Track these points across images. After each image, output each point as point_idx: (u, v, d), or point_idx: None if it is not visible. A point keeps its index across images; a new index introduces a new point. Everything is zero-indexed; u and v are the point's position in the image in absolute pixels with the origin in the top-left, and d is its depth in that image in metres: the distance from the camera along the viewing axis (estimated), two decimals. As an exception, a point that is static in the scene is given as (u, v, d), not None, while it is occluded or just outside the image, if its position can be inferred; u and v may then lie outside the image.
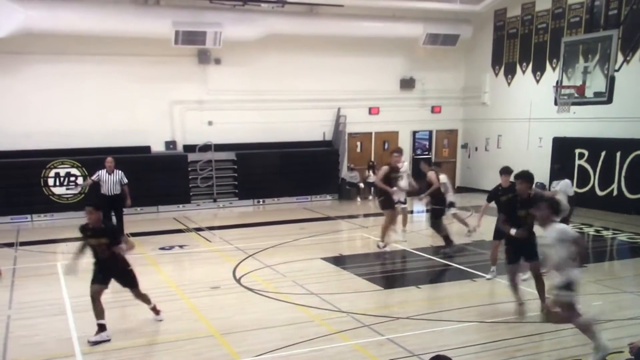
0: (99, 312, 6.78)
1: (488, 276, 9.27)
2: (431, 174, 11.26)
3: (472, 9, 18.57)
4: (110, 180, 12.20)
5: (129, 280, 7.17)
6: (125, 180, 12.34)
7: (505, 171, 8.95)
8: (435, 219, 11.20)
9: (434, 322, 7.30)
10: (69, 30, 15.04)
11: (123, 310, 7.90)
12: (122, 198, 12.26)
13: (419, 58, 19.88)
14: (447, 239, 10.96)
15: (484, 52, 19.90)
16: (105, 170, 12.26)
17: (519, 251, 7.42)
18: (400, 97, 20.03)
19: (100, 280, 6.91)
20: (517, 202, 7.39)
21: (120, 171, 12.36)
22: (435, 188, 11.18)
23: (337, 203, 18.50)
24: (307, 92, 18.35)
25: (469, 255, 10.94)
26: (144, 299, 7.37)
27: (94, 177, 12.43)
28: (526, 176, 7.32)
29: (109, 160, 12.40)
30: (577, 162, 16.32)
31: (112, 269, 6.99)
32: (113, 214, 12.11)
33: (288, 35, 17.49)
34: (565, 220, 9.09)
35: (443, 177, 11.91)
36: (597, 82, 13.00)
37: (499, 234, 8.73)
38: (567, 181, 10.21)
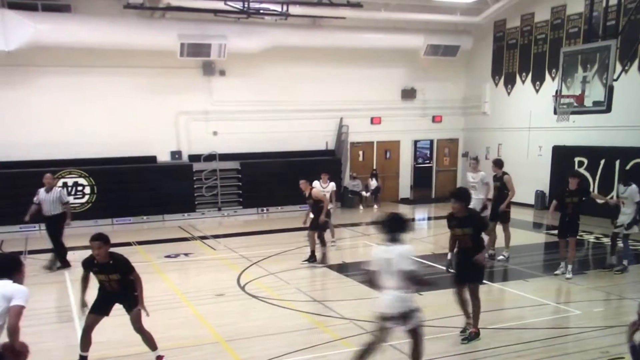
0: (86, 343, 6.16)
1: (558, 272, 9.73)
2: (507, 178, 10.98)
3: (472, 21, 18.64)
4: (47, 199, 10.79)
5: (132, 304, 6.26)
6: (66, 199, 11.09)
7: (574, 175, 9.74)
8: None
9: (436, 329, 7.26)
10: (77, 43, 15.16)
11: (128, 317, 7.87)
12: (62, 218, 10.95)
13: (420, 69, 19.94)
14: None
15: (484, 63, 19.96)
16: (44, 188, 10.86)
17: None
18: (402, 107, 20.08)
19: (100, 309, 6.19)
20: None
21: (60, 189, 11.29)
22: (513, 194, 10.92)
23: (339, 211, 18.48)
24: (310, 102, 18.42)
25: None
26: (149, 339, 6.32)
27: (34, 200, 10.87)
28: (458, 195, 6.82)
29: (48, 176, 10.96)
30: (571, 171, 16.27)
31: (119, 296, 6.23)
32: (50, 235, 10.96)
33: (291, 47, 17.58)
34: (636, 223, 9.32)
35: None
36: (596, 92, 12.99)
37: (562, 231, 9.64)
38: (634, 187, 9.87)
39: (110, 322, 7.27)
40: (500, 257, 10.90)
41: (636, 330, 4.87)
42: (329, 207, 11.04)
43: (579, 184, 9.71)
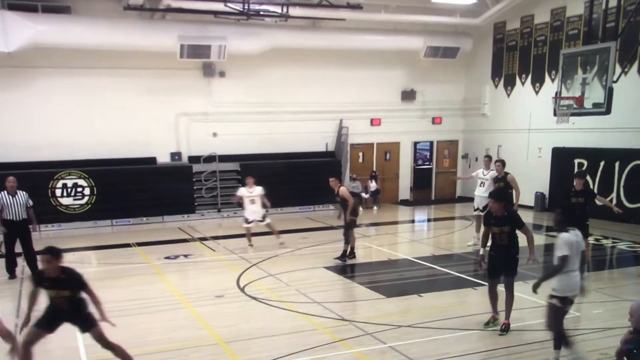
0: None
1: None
2: (511, 178, 11.24)
3: (472, 22, 18.66)
4: (14, 203, 10.25)
5: (87, 324, 5.79)
6: (31, 203, 10.54)
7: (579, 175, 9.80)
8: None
9: (435, 330, 7.27)
10: (77, 44, 15.17)
11: (128, 319, 7.88)
12: (29, 223, 10.46)
13: (420, 70, 19.96)
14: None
15: (484, 64, 19.98)
16: (6, 191, 10.30)
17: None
18: (402, 109, 20.10)
19: (46, 325, 5.69)
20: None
21: (24, 192, 10.51)
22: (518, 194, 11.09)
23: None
24: (310, 104, 18.43)
25: (470, 264, 10.91)
26: (121, 353, 5.91)
27: None
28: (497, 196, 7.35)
29: (11, 179, 10.39)
30: (576, 171, 16.30)
31: (69, 316, 5.74)
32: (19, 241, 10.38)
33: (291, 49, 17.59)
34: None
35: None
36: (595, 93, 13.01)
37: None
38: None
39: (107, 324, 7.27)
40: None
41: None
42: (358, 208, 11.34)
43: (584, 185, 9.82)
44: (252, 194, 12.38)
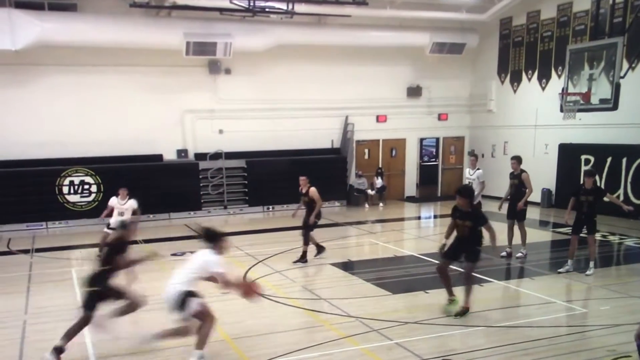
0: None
1: (562, 270, 9.78)
2: (525, 176, 10.94)
3: (478, 18, 18.58)
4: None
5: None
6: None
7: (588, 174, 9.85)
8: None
9: (442, 327, 7.27)
10: (83, 41, 15.22)
11: (135, 314, 7.91)
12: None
13: (426, 66, 19.90)
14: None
15: (490, 60, 19.90)
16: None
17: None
18: (408, 105, 20.05)
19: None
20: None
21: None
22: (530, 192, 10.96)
23: (345, 209, 18.51)
24: (316, 100, 18.42)
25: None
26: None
27: None
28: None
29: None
30: (583, 168, 16.23)
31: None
32: None
33: (297, 45, 17.58)
34: None
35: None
36: (602, 89, 12.95)
37: (576, 227, 9.80)
38: None
39: (118, 319, 7.31)
40: (519, 255, 10.90)
41: None
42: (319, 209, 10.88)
43: (594, 183, 9.85)
44: (123, 206, 11.38)
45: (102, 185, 16.00)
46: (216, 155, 17.49)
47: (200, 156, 17.51)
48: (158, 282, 9.87)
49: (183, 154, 17.60)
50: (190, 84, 17.27)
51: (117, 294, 6.67)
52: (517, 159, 11.16)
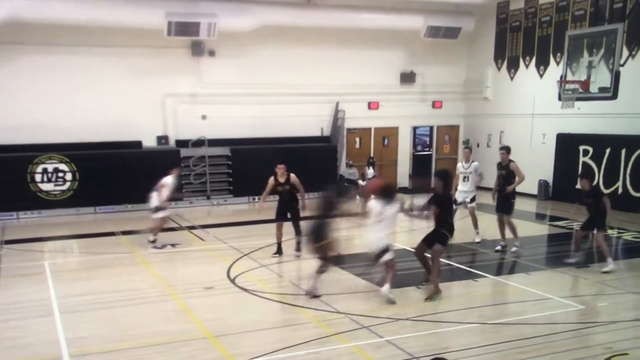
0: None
1: (571, 260, 10.09)
2: (514, 165, 10.93)
3: (475, 1, 18.58)
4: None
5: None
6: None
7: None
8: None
9: (434, 324, 7.30)
10: (58, 20, 14.97)
11: (112, 311, 7.87)
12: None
13: (420, 51, 19.86)
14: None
15: (486, 46, 19.91)
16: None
17: None
18: (401, 92, 20.03)
19: None
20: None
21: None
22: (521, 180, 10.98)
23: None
24: (305, 85, 18.33)
25: (470, 254, 10.95)
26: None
27: None
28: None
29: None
30: (581, 159, 16.36)
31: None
32: None
33: (285, 27, 17.45)
34: None
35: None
36: (601, 77, 13.04)
37: (585, 225, 10.08)
38: None
39: (90, 317, 7.26)
40: (514, 249, 10.91)
41: None
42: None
43: (590, 184, 10.08)
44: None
45: (77, 173, 15.83)
46: (199, 143, 17.36)
47: (182, 143, 17.37)
48: (135, 277, 9.83)
49: (164, 141, 17.45)
50: (171, 67, 17.08)
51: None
52: (507, 149, 11.14)
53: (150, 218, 12.11)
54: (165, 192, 11.90)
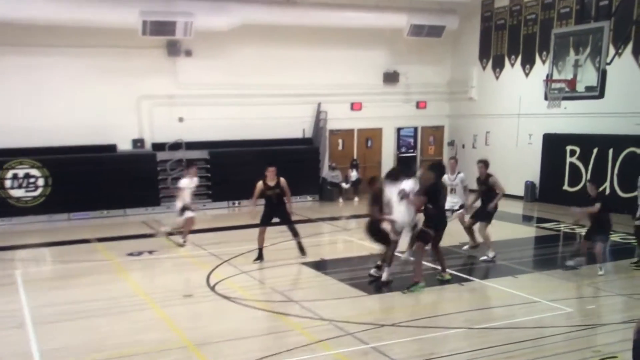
0: None
1: (571, 262, 10.22)
2: (494, 180, 10.74)
3: (459, -1, 18.75)
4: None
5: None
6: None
7: None
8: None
9: (420, 329, 7.34)
10: (28, 19, 14.80)
11: (88, 321, 7.79)
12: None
13: (403, 50, 20.00)
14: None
15: (471, 45, 20.12)
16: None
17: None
18: (384, 92, 20.15)
19: None
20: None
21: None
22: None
23: (317, 204, 18.52)
24: (285, 86, 18.35)
25: (456, 258, 11.04)
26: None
27: None
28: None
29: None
30: (568, 159, 16.60)
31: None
32: None
33: (264, 26, 17.46)
34: None
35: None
36: (588, 76, 13.22)
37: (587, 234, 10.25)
38: None
39: (64, 328, 7.18)
40: (485, 258, 10.77)
41: None
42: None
43: (597, 191, 10.23)
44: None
45: (49, 179, 15.65)
46: (176, 146, 17.27)
47: (158, 146, 17.27)
48: (111, 285, 9.75)
49: (139, 144, 17.34)
50: (146, 67, 16.98)
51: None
52: (485, 163, 10.84)
53: (177, 220, 12.56)
54: (187, 194, 12.30)
